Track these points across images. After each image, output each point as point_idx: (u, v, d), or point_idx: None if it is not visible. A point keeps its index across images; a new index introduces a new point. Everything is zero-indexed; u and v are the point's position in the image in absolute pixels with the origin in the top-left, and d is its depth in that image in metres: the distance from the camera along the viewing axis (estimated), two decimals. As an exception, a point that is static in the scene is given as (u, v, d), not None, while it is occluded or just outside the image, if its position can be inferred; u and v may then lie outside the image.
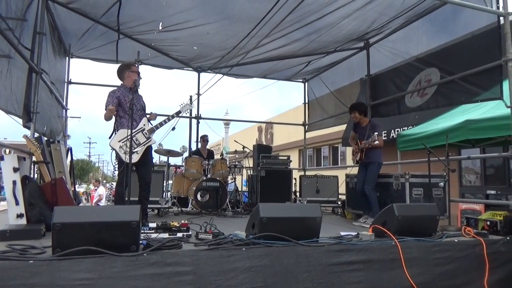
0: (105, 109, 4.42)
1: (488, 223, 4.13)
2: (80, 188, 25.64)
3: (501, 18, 4.39)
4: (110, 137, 4.55)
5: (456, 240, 3.49)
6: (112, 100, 4.45)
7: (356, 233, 3.52)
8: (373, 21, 6.06)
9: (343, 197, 6.70)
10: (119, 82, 4.76)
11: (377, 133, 5.11)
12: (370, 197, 5.21)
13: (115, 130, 4.51)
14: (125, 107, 4.42)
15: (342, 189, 6.94)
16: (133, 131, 4.25)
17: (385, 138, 10.50)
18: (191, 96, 8.40)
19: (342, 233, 3.60)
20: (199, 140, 8.26)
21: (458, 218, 6.41)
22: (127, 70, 4.66)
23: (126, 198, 4.07)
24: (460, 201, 7.39)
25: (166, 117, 4.81)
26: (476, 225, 4.61)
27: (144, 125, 4.66)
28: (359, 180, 5.49)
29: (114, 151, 4.47)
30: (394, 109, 6.77)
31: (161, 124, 4.74)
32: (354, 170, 6.09)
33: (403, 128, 9.44)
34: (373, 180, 5.29)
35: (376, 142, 5.01)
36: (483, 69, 4.86)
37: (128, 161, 4.14)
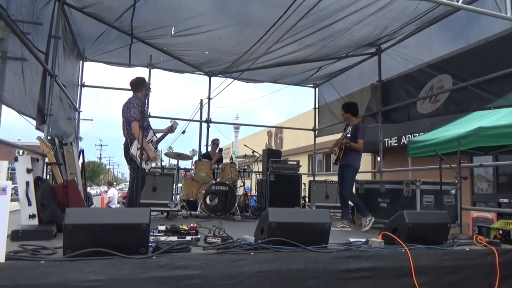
0: (134, 118, 4.78)
1: (501, 232, 4.08)
2: (91, 190, 25.87)
3: (515, 24, 4.35)
4: (124, 144, 4.93)
5: (467, 249, 3.43)
6: (139, 112, 4.78)
7: (365, 240, 3.49)
8: (385, 27, 6.05)
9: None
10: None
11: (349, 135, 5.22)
12: (352, 201, 5.24)
13: (130, 140, 4.84)
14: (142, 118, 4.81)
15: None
16: (147, 141, 4.83)
17: (396, 144, 10.45)
18: (201, 100, 8.49)
19: (351, 240, 3.58)
20: (208, 143, 8.29)
21: (469, 226, 6.33)
22: (144, 85, 5.12)
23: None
24: (472, 209, 7.30)
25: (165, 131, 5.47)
26: (488, 234, 4.55)
27: (152, 136, 5.17)
28: (339, 183, 5.55)
29: (129, 157, 4.83)
30: (406, 115, 6.72)
31: (162, 137, 5.39)
32: (365, 176, 6.06)
33: (415, 135, 9.38)
34: (350, 185, 5.34)
35: (348, 135, 5.21)
36: (496, 76, 4.81)
37: (144, 168, 4.69)
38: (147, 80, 5.11)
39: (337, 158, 5.45)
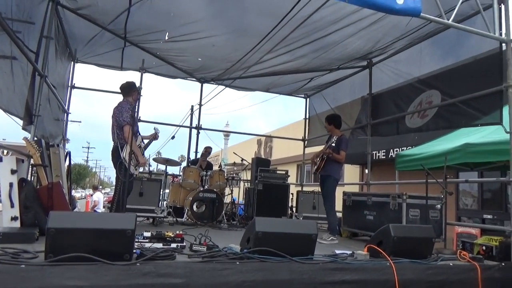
0: (126, 122, 4.79)
1: (484, 248, 4.12)
2: (76, 193, 25.50)
3: (503, 44, 4.45)
4: (112, 148, 4.93)
5: (451, 264, 3.46)
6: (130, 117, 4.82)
7: (351, 252, 3.50)
8: (377, 41, 6.13)
9: (340, 215, 6.65)
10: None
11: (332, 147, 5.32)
12: (328, 213, 5.30)
13: (121, 144, 4.82)
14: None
15: (339, 206, 6.92)
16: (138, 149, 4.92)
17: (384, 157, 10.54)
18: (192, 106, 8.46)
19: (337, 251, 3.58)
20: (198, 150, 8.25)
21: (454, 241, 6.39)
22: (135, 90, 5.07)
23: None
24: (456, 224, 7.38)
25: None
26: (471, 250, 4.59)
27: (141, 142, 5.23)
28: (322, 195, 5.58)
29: (119, 162, 4.81)
30: (394, 129, 6.80)
31: (148, 144, 5.46)
32: (352, 188, 6.08)
33: (403, 148, 9.47)
34: (330, 196, 5.36)
35: (333, 145, 5.32)
36: (484, 94, 4.90)
37: (132, 173, 4.76)
38: (137, 84, 5.08)
39: (317, 168, 5.49)
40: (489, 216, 8.41)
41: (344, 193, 6.31)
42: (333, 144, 5.38)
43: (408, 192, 5.17)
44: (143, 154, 5.24)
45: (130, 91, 5.12)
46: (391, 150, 10.19)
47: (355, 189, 11.77)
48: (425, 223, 4.85)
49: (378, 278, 3.08)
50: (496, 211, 8.86)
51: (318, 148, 10.26)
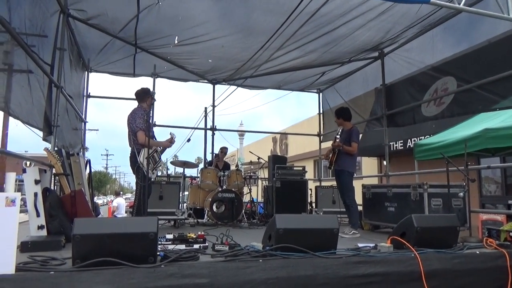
0: (139, 128, 4.88)
1: (511, 234, 4.02)
2: (98, 200, 25.95)
3: (519, 25, 4.34)
4: (130, 154, 5.00)
5: (477, 252, 3.40)
6: (144, 122, 4.91)
7: (374, 245, 3.47)
8: (387, 31, 6.05)
9: (360, 208, 6.60)
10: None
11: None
12: (351, 207, 5.25)
13: (137, 149, 4.89)
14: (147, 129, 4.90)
15: (359, 199, 6.86)
16: (152, 151, 4.97)
17: (402, 147, 10.41)
18: (206, 108, 8.52)
19: (360, 245, 3.56)
20: (218, 151, 8.28)
21: (479, 229, 6.27)
22: (149, 96, 5.15)
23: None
24: (481, 211, 7.23)
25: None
26: (498, 236, 4.48)
27: (157, 147, 5.27)
28: (339, 190, 5.54)
29: (136, 166, 4.87)
30: (410, 118, 6.70)
31: (165, 148, 5.50)
32: (371, 180, 6.03)
33: (420, 138, 9.34)
34: (349, 190, 5.32)
35: (337, 137, 5.29)
36: (501, 77, 4.79)
37: (150, 177, 4.80)
38: (151, 90, 5.15)
39: (330, 163, 5.45)
40: (514, 202, 8.23)
41: (364, 186, 6.25)
42: (338, 136, 5.33)
43: (429, 181, 5.09)
44: (160, 159, 5.30)
45: (144, 97, 5.19)
46: (409, 140, 10.06)
47: (374, 181, 11.65)
48: (448, 212, 4.77)
49: (403, 270, 3.04)
50: (521, 196, 8.66)
51: (334, 143, 10.18)
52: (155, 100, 5.19)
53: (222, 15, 5.53)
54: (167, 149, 5.58)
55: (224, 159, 8.37)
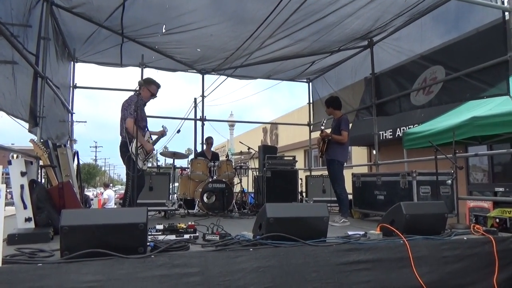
0: (130, 117, 4.68)
1: (497, 220, 4.10)
2: (88, 192, 25.78)
3: (506, 13, 4.36)
4: (120, 144, 4.87)
5: (465, 238, 3.46)
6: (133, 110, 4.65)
7: (363, 233, 3.50)
8: (376, 19, 6.04)
9: (350, 196, 6.65)
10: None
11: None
12: (341, 196, 5.30)
13: (129, 138, 4.72)
14: (139, 118, 4.66)
15: (349, 188, 6.91)
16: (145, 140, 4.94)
17: (391, 136, 10.48)
18: (195, 99, 8.46)
19: (350, 233, 3.58)
20: (203, 142, 8.27)
21: (466, 216, 6.37)
22: (154, 86, 5.11)
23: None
24: (468, 198, 7.34)
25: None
26: (485, 223, 4.57)
27: (149, 138, 5.20)
28: (330, 179, 5.57)
29: (126, 157, 4.73)
30: (400, 107, 6.73)
31: (157, 140, 5.43)
32: (361, 169, 6.06)
33: (409, 126, 9.41)
34: (339, 179, 5.34)
35: (322, 127, 5.29)
36: (489, 65, 4.82)
37: (140, 168, 4.70)
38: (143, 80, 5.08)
39: (321, 151, 5.46)
40: (501, 189, 8.35)
41: (353, 175, 6.29)
42: (322, 127, 5.35)
43: (418, 169, 5.13)
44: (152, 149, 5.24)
45: (151, 83, 5.11)
46: (398, 129, 10.13)
47: (364, 170, 11.73)
48: (436, 199, 4.83)
49: (392, 256, 3.09)
50: (508, 183, 8.80)
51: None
52: (156, 96, 5.16)
53: (210, 3, 5.45)
54: (159, 141, 5.52)
55: (213, 149, 8.34)
